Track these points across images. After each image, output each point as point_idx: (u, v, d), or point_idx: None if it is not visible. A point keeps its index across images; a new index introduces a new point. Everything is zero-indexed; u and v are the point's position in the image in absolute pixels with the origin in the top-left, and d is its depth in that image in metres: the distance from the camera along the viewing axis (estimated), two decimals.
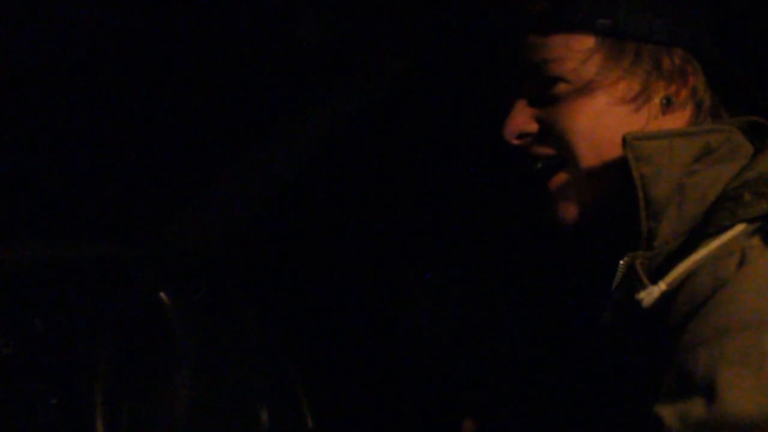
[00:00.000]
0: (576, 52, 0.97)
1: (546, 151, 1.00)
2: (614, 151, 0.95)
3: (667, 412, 0.78)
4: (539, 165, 1.01)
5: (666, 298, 0.87)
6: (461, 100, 1.52)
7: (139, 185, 1.58)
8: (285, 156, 1.57)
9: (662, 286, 0.87)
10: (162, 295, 1.44)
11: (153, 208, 1.57)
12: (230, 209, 1.59)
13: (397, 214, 1.71)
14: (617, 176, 0.94)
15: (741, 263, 0.83)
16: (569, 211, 1.00)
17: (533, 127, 1.01)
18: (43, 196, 1.49)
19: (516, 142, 1.00)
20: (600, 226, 0.99)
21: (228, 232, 1.59)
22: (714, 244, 0.87)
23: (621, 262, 0.92)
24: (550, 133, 0.99)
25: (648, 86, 0.97)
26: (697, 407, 0.77)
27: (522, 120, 1.00)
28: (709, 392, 0.76)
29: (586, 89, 0.96)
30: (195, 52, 1.51)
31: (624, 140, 0.91)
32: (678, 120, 0.99)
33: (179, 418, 1.39)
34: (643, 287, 0.89)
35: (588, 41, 0.97)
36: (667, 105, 0.97)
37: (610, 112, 0.97)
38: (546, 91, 0.99)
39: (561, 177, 1.00)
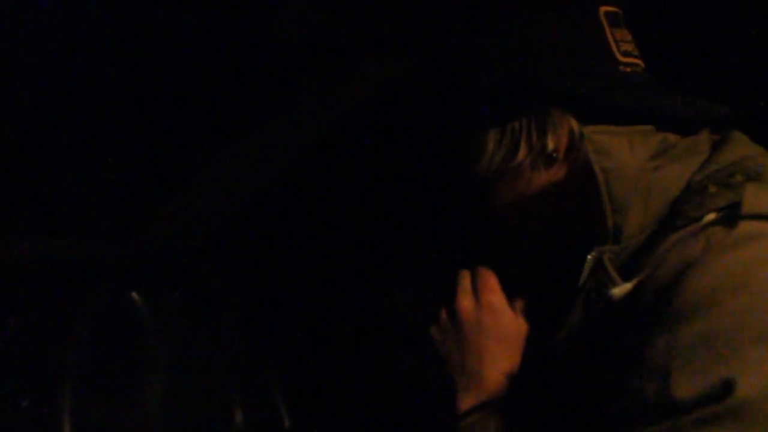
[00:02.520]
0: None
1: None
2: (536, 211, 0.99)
3: (628, 392, 0.81)
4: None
5: (635, 289, 0.88)
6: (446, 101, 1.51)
7: (114, 184, 1.57)
8: (262, 156, 1.56)
9: (628, 286, 0.88)
10: (134, 294, 1.42)
11: (127, 208, 1.55)
12: (205, 209, 1.58)
13: (377, 214, 1.70)
14: (575, 178, 0.95)
15: (705, 247, 0.83)
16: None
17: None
18: (14, 195, 1.48)
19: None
20: (564, 227, 0.99)
21: (202, 232, 1.58)
22: (682, 234, 0.88)
23: (588, 257, 0.92)
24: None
25: (514, 158, 0.99)
26: (652, 390, 0.79)
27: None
28: (664, 377, 0.79)
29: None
30: (176, 50, 1.50)
31: (583, 135, 0.92)
32: (574, 161, 0.98)
33: (151, 420, 1.37)
34: (613, 282, 0.90)
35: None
36: (549, 160, 0.97)
37: (506, 188, 1.01)
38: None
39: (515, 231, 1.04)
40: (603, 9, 0.98)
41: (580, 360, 0.94)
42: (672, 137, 0.94)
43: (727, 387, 0.76)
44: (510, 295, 1.06)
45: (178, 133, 1.57)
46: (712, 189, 0.89)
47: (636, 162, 0.92)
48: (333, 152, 1.63)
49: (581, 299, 0.94)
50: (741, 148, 0.95)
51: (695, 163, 0.93)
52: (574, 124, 0.94)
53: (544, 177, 0.97)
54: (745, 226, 0.83)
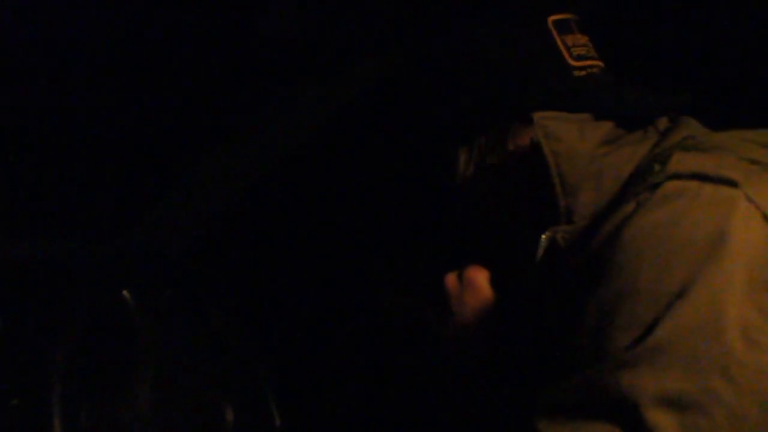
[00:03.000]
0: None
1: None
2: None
3: (571, 352, 0.89)
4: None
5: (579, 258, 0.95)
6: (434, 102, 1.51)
7: (105, 183, 1.57)
8: (253, 155, 1.56)
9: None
10: (125, 293, 1.42)
11: (118, 207, 1.55)
12: (199, 208, 1.58)
13: (373, 214, 1.70)
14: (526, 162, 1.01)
15: (633, 209, 0.88)
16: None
17: None
18: (4, 194, 1.48)
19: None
20: (520, 210, 1.06)
21: (196, 232, 1.58)
22: (628, 207, 0.91)
23: (542, 236, 0.98)
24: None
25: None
26: (587, 347, 0.87)
27: None
28: (595, 334, 0.86)
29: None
30: (163, 48, 1.50)
31: (533, 120, 0.98)
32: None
33: (141, 418, 1.37)
34: (565, 259, 0.96)
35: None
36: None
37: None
38: None
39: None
40: (551, 18, 1.05)
41: (539, 327, 1.02)
42: (624, 125, 1.00)
43: (646, 334, 0.82)
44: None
45: (172, 133, 1.57)
46: (656, 167, 0.92)
47: (586, 147, 0.97)
48: (328, 151, 1.63)
49: (537, 276, 1.00)
50: (687, 130, 1.01)
51: (645, 147, 0.98)
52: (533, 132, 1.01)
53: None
54: (668, 186, 0.88)
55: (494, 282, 1.10)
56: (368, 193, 1.70)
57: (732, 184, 0.86)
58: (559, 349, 0.94)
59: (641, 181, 0.92)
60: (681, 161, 0.90)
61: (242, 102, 1.54)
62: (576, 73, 1.04)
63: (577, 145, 0.97)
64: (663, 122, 1.03)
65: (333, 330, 1.71)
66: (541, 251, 0.98)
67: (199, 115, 1.57)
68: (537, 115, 0.98)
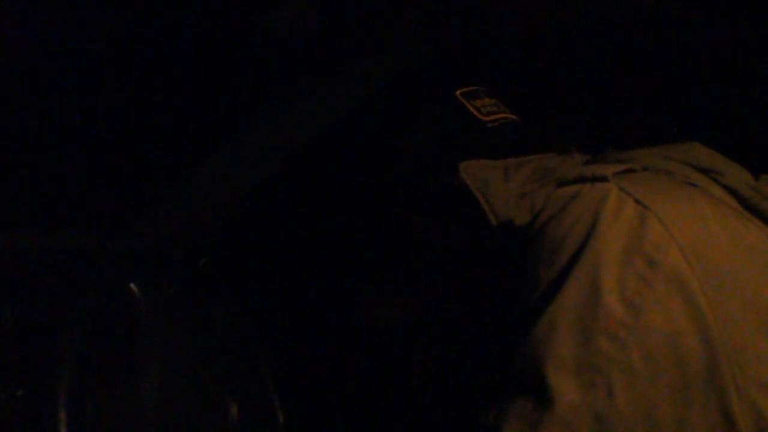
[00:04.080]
0: None
1: None
2: None
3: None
4: None
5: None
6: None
7: (113, 176, 1.57)
8: (260, 153, 1.56)
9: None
10: (132, 286, 1.42)
11: (126, 199, 1.55)
12: (205, 203, 1.58)
13: (374, 216, 1.70)
14: None
15: (533, 218, 1.05)
16: None
17: None
18: (11, 186, 1.48)
19: None
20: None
21: (201, 226, 1.58)
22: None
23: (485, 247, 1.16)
24: None
25: None
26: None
27: None
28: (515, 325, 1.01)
29: None
30: (168, 47, 1.50)
31: (458, 168, 1.15)
32: None
33: (147, 412, 1.37)
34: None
35: None
36: None
37: None
38: None
39: None
40: (459, 92, 1.27)
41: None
42: (551, 162, 1.14)
43: (542, 314, 0.98)
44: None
45: (178, 129, 1.57)
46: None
47: (513, 185, 1.11)
48: (333, 150, 1.63)
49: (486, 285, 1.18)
50: (605, 155, 1.13)
51: None
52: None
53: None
54: (558, 191, 1.05)
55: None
56: (370, 194, 1.70)
57: (605, 179, 1.01)
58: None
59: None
60: (567, 171, 1.05)
61: (248, 99, 1.54)
62: (489, 125, 1.24)
63: (503, 186, 1.11)
64: (578, 156, 1.18)
65: (336, 329, 1.71)
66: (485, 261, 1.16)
67: (206, 112, 1.58)
68: (462, 165, 1.14)
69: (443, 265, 1.32)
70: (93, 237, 1.50)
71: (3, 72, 1.42)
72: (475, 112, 1.25)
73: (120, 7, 1.43)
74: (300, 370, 1.67)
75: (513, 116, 1.27)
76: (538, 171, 1.13)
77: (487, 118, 1.24)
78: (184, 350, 1.46)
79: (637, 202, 0.97)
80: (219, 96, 1.54)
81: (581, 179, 1.02)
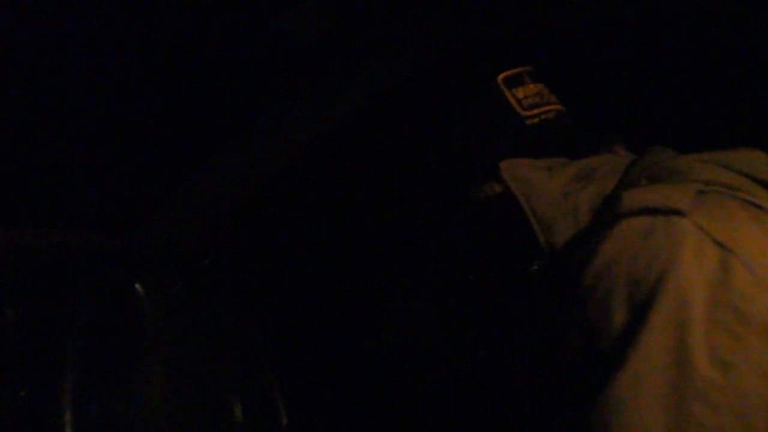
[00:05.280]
0: None
1: None
2: None
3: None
4: None
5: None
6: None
7: (119, 177, 1.57)
8: (266, 153, 1.56)
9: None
10: (137, 286, 1.42)
11: (131, 200, 1.55)
12: (209, 205, 1.58)
13: (380, 211, 1.70)
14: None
15: (591, 250, 0.95)
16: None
17: None
18: (18, 186, 1.48)
19: None
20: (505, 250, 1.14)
21: (205, 227, 1.58)
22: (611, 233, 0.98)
23: (531, 269, 1.05)
24: None
25: None
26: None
27: None
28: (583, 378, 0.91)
29: None
30: (177, 47, 1.50)
31: (499, 168, 1.07)
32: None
33: (151, 411, 1.37)
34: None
35: None
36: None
37: None
38: None
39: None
40: (500, 77, 1.16)
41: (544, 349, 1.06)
42: (593, 163, 1.08)
43: (618, 368, 0.88)
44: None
45: (183, 129, 1.57)
46: (615, 204, 0.98)
47: (556, 186, 1.05)
48: (339, 150, 1.63)
49: (531, 303, 1.07)
50: (651, 157, 1.07)
51: (613, 180, 1.05)
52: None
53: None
54: (622, 224, 0.94)
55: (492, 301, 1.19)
56: (377, 194, 1.70)
57: (680, 213, 0.90)
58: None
59: (601, 218, 0.99)
60: (631, 197, 0.95)
61: (258, 99, 1.54)
62: (529, 121, 1.14)
63: (546, 185, 1.05)
64: (623, 153, 1.13)
65: (340, 329, 1.71)
66: (532, 281, 1.05)
67: (212, 111, 1.57)
68: (503, 164, 1.07)
69: (477, 275, 1.27)
70: (98, 237, 1.50)
71: (7, 71, 1.43)
72: (516, 105, 1.15)
73: (126, 9, 1.43)
74: (304, 370, 1.66)
75: (557, 106, 1.18)
76: (582, 170, 1.07)
77: (528, 113, 1.15)
78: (188, 350, 1.46)
79: (716, 243, 0.88)
80: (226, 96, 1.54)
81: (651, 210, 0.92)
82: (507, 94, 1.15)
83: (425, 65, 1.44)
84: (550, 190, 1.04)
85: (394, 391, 1.62)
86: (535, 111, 1.15)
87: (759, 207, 0.94)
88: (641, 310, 0.86)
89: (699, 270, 0.86)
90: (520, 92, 1.16)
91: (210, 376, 1.49)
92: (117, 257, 1.46)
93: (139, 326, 1.40)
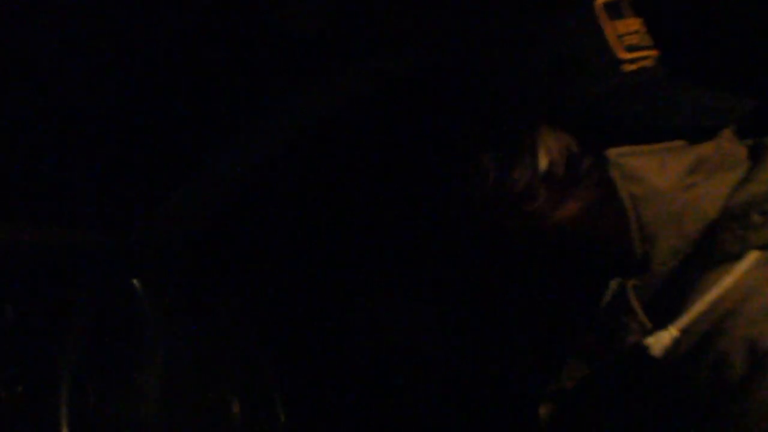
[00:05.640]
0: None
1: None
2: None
3: None
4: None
5: (678, 344, 0.81)
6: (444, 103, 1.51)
7: (117, 174, 1.57)
8: (263, 148, 1.56)
9: (673, 331, 0.81)
10: (135, 282, 1.42)
11: (130, 196, 1.55)
12: (207, 202, 1.58)
13: (376, 211, 1.70)
14: (596, 205, 0.87)
15: (759, 310, 0.78)
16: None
17: None
18: (16, 182, 1.48)
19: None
20: (582, 256, 0.94)
21: (203, 224, 1.58)
22: (727, 280, 0.81)
23: (611, 284, 0.88)
24: None
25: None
26: None
27: None
28: None
29: None
30: (173, 42, 1.50)
31: (607, 159, 0.83)
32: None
33: (149, 408, 1.37)
34: (634, 316, 0.84)
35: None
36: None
37: None
38: None
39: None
40: (600, 1, 0.87)
41: (594, 396, 0.90)
42: (705, 150, 0.86)
43: None
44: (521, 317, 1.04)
45: (181, 126, 1.57)
46: (756, 218, 0.82)
47: (668, 183, 0.84)
48: (334, 148, 1.63)
49: (598, 329, 0.88)
50: None
51: (732, 179, 0.86)
52: (571, 141, 0.86)
53: (557, 203, 0.88)
54: None
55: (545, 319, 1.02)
56: (377, 193, 1.70)
57: None
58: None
59: (736, 238, 0.82)
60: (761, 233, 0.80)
61: (255, 96, 1.54)
62: (626, 67, 0.87)
63: (658, 182, 0.83)
64: (732, 138, 0.90)
65: (339, 328, 1.71)
66: (605, 301, 0.88)
67: (210, 108, 1.57)
68: (613, 153, 0.83)
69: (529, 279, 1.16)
70: (97, 234, 1.50)
71: (6, 70, 1.43)
72: (614, 43, 0.87)
73: (123, 8, 1.42)
74: (303, 369, 1.66)
75: (654, 53, 0.89)
76: (696, 159, 0.85)
77: (627, 56, 0.86)
78: (186, 347, 1.46)
79: None
80: (223, 93, 1.53)
81: None
82: (606, 25, 0.87)
83: (426, 63, 1.40)
84: (661, 190, 0.83)
85: (393, 390, 1.62)
86: (635, 54, 0.87)
87: None
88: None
89: None
90: (621, 26, 0.87)
91: (208, 374, 1.49)
92: (115, 255, 1.46)
93: (137, 324, 1.41)
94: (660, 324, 0.82)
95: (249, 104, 1.54)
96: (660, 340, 0.80)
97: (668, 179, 0.84)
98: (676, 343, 0.80)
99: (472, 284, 1.52)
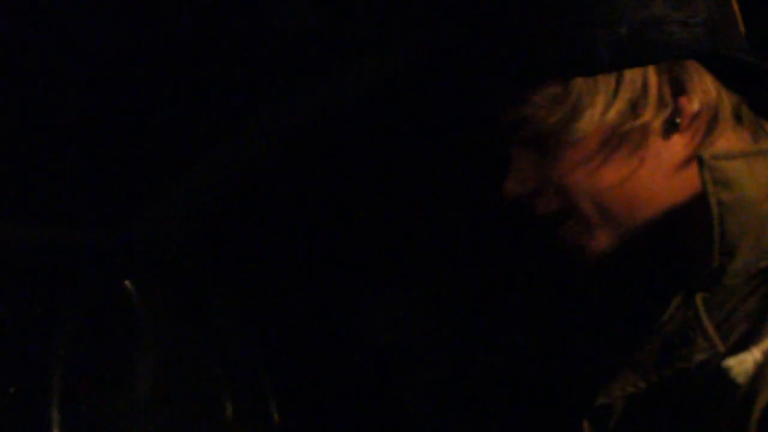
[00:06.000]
0: (555, 103, 0.83)
1: (547, 207, 0.86)
2: (622, 196, 0.83)
3: None
4: (541, 219, 0.88)
5: (761, 368, 0.74)
6: (439, 102, 1.51)
7: (109, 173, 1.56)
8: (256, 150, 1.56)
9: (757, 354, 0.74)
10: (127, 283, 1.41)
11: (121, 196, 1.54)
12: (199, 199, 1.57)
13: (371, 211, 1.69)
14: (649, 213, 0.82)
15: None
16: (582, 254, 0.86)
17: (530, 185, 0.87)
18: (6, 181, 1.47)
19: (514, 199, 0.88)
20: (632, 262, 0.87)
21: (196, 223, 1.57)
22: None
23: (677, 296, 0.81)
24: (549, 190, 0.86)
25: (638, 116, 0.82)
26: None
27: (519, 176, 0.87)
28: None
29: (574, 140, 0.83)
30: (166, 42, 1.49)
31: (701, 161, 0.78)
32: (689, 139, 0.83)
33: (141, 410, 1.36)
34: (704, 332, 0.78)
35: (564, 88, 0.83)
36: (672, 127, 0.82)
37: (607, 157, 0.83)
38: (536, 147, 0.85)
39: (567, 228, 0.86)
40: None
41: (647, 414, 0.83)
42: None
43: None
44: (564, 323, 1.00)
45: (172, 125, 1.56)
46: None
47: (754, 191, 0.79)
48: (327, 147, 1.62)
49: (659, 343, 0.82)
50: None
51: None
52: (712, 88, 0.81)
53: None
54: None
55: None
56: (371, 193, 1.69)
57: None
58: None
59: None
60: None
61: (246, 95, 1.53)
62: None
63: (747, 189, 0.79)
64: None
65: (332, 328, 1.70)
66: (669, 314, 0.81)
67: (201, 108, 1.57)
68: (706, 154, 0.78)
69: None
70: (89, 233, 1.50)
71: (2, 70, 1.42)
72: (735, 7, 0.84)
73: (118, 8, 1.42)
74: (297, 369, 1.66)
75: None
76: None
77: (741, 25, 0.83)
78: (178, 348, 1.46)
79: None
80: (215, 93, 1.53)
81: None
82: None
83: (419, 62, 1.40)
84: (748, 197, 0.79)
85: (386, 390, 1.62)
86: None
87: None
88: None
89: None
90: None
91: (201, 374, 1.49)
92: (107, 254, 1.45)
93: (129, 324, 1.40)
94: (734, 345, 0.76)
95: (240, 104, 1.53)
96: (743, 364, 0.74)
97: (756, 186, 0.80)
98: (759, 368, 0.73)
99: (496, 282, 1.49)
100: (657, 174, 0.83)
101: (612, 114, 0.81)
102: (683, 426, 0.78)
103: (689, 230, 0.82)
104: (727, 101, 0.82)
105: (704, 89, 0.81)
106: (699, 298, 0.80)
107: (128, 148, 1.54)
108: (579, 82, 0.81)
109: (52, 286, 1.37)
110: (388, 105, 1.53)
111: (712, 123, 0.82)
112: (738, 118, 0.84)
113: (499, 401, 1.47)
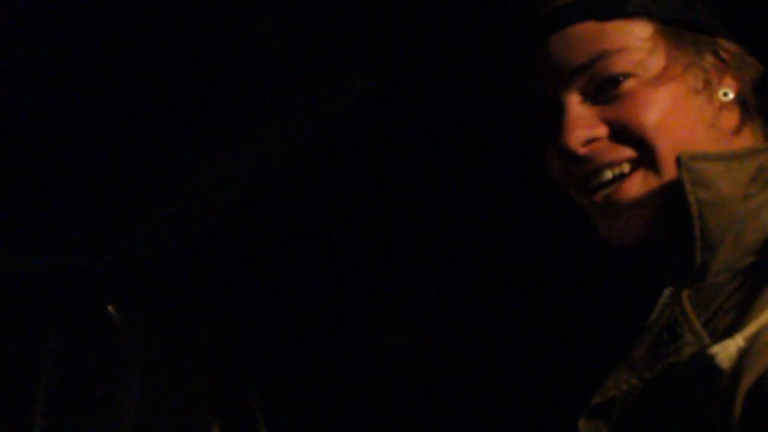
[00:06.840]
0: (640, 41, 0.87)
1: (622, 154, 0.87)
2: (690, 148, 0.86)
3: None
4: (609, 174, 0.88)
5: (743, 354, 0.75)
6: (435, 108, 1.51)
7: (90, 197, 1.56)
8: (241, 167, 1.56)
9: (740, 341, 0.75)
10: (110, 308, 1.41)
11: (103, 220, 1.54)
12: (181, 221, 1.57)
13: (356, 224, 1.69)
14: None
15: None
16: (633, 223, 0.88)
17: (601, 131, 0.88)
18: None
19: (583, 150, 0.88)
20: (652, 247, 0.90)
21: (179, 245, 1.57)
22: None
23: (665, 291, 0.85)
24: (625, 133, 0.87)
25: (711, 78, 0.88)
26: None
27: (587, 123, 0.88)
28: None
29: (657, 81, 0.86)
30: (155, 56, 1.49)
31: (679, 160, 0.82)
32: (730, 120, 0.89)
33: None
34: (690, 326, 0.81)
35: (649, 29, 0.87)
36: (725, 99, 0.88)
37: (686, 104, 0.87)
38: (609, 87, 0.87)
39: (633, 183, 0.87)
40: None
41: (642, 408, 0.84)
42: (766, 161, 0.85)
43: None
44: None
45: (157, 145, 1.56)
46: None
47: (732, 191, 0.83)
48: (316, 163, 1.63)
49: (648, 338, 0.84)
50: None
51: None
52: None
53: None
54: None
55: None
56: (370, 194, 1.68)
57: None
58: None
59: None
60: None
61: (232, 113, 1.53)
62: None
63: (724, 188, 0.83)
64: None
65: (322, 347, 1.70)
66: (658, 309, 0.84)
67: (187, 126, 1.57)
68: (683, 155, 0.82)
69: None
70: (72, 258, 1.49)
71: None
72: None
73: (119, 10, 1.41)
74: (285, 389, 1.65)
75: None
76: (756, 169, 0.85)
77: None
78: (163, 369, 1.45)
79: None
80: (201, 111, 1.53)
81: None
82: None
83: (392, 81, 1.40)
84: (726, 196, 0.82)
85: (386, 390, 1.61)
86: None
87: None
88: None
89: None
90: None
91: (187, 396, 1.48)
92: (91, 279, 1.45)
93: (113, 348, 1.40)
94: (718, 336, 0.78)
95: (224, 122, 1.53)
96: (726, 350, 0.75)
97: (733, 187, 0.83)
98: (742, 353, 0.74)
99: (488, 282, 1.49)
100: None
101: (692, 72, 0.87)
102: (676, 418, 0.79)
103: (677, 231, 0.85)
104: (752, 96, 0.90)
105: (750, 77, 0.90)
106: (685, 296, 0.82)
107: (110, 174, 1.53)
108: (670, 33, 0.87)
109: (35, 311, 1.37)
110: (387, 107, 1.54)
111: (742, 111, 0.90)
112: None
113: (497, 401, 1.47)
